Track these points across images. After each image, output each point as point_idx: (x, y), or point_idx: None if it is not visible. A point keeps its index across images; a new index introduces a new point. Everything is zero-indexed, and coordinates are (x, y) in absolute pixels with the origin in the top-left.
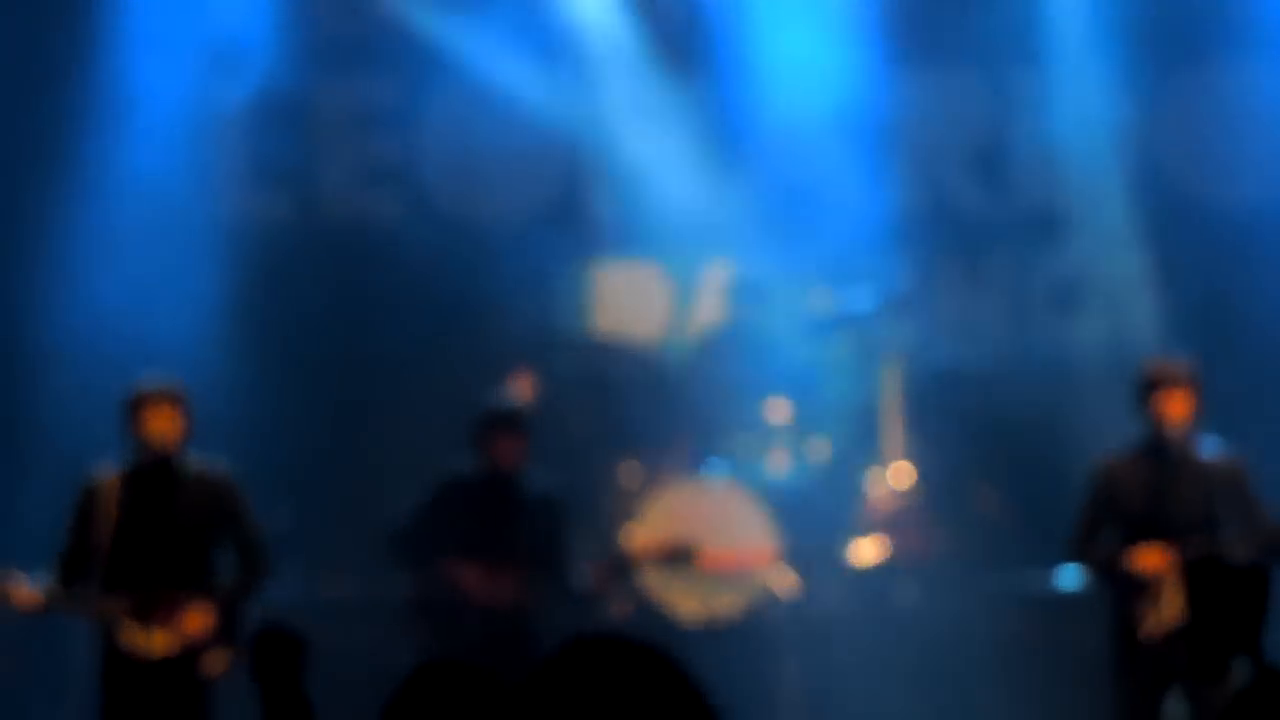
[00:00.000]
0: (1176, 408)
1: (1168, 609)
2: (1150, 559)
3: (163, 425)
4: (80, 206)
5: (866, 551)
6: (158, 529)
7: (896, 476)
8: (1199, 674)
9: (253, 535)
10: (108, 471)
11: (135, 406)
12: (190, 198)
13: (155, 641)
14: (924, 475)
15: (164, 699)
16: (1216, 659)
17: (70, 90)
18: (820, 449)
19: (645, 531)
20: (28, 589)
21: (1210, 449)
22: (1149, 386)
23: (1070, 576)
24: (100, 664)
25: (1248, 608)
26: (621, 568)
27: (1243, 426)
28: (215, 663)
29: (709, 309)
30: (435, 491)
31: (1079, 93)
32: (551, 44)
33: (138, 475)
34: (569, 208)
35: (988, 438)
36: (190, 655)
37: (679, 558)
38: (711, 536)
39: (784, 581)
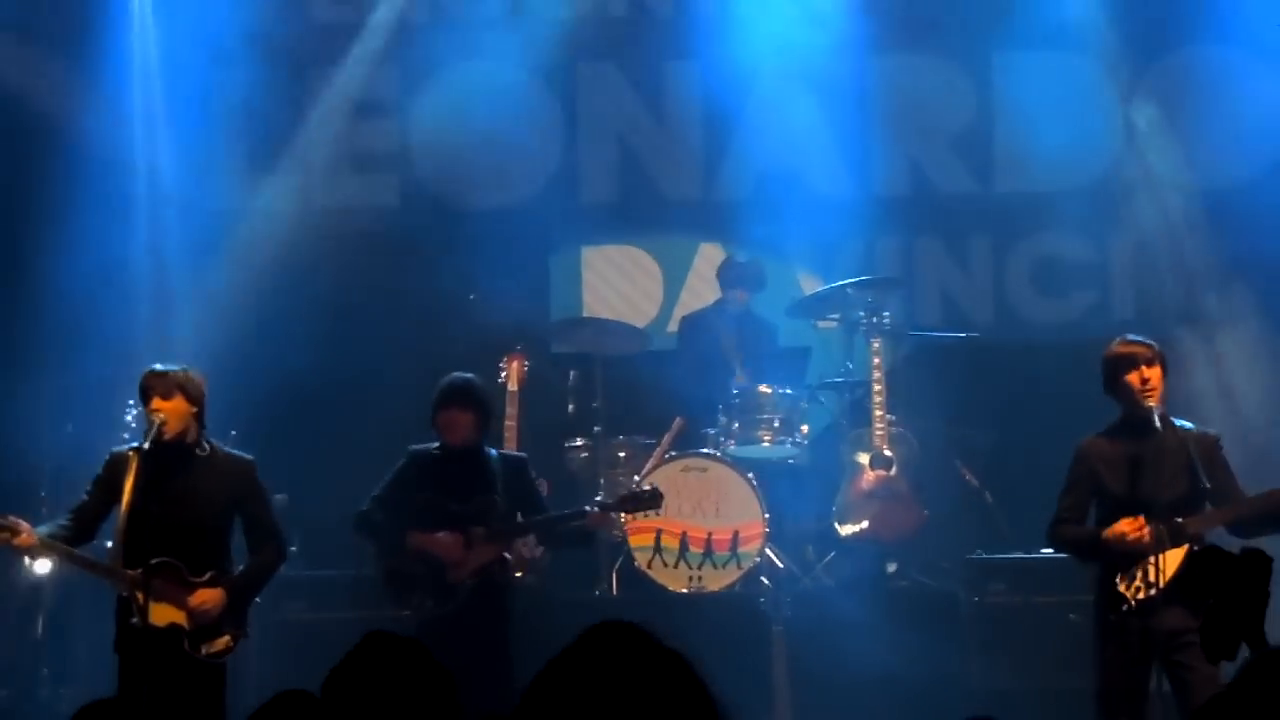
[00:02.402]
0: (1151, 381)
1: (1149, 580)
2: (1128, 528)
3: (159, 414)
4: (80, 192)
5: (854, 526)
6: (167, 509)
7: (883, 453)
8: (1211, 656)
9: (268, 526)
10: (134, 446)
11: (141, 390)
12: (188, 185)
13: (160, 615)
14: (910, 451)
15: (173, 674)
16: (1226, 642)
17: (72, 82)
18: (807, 426)
19: None
20: (28, 531)
21: (1186, 425)
22: (1119, 365)
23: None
24: (117, 634)
25: (1251, 593)
26: (619, 506)
27: (1219, 400)
28: (218, 646)
29: (699, 290)
30: (400, 469)
31: (1061, 76)
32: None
33: (153, 456)
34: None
35: (973, 414)
36: (195, 634)
37: (646, 503)
38: (702, 513)
39: (773, 557)
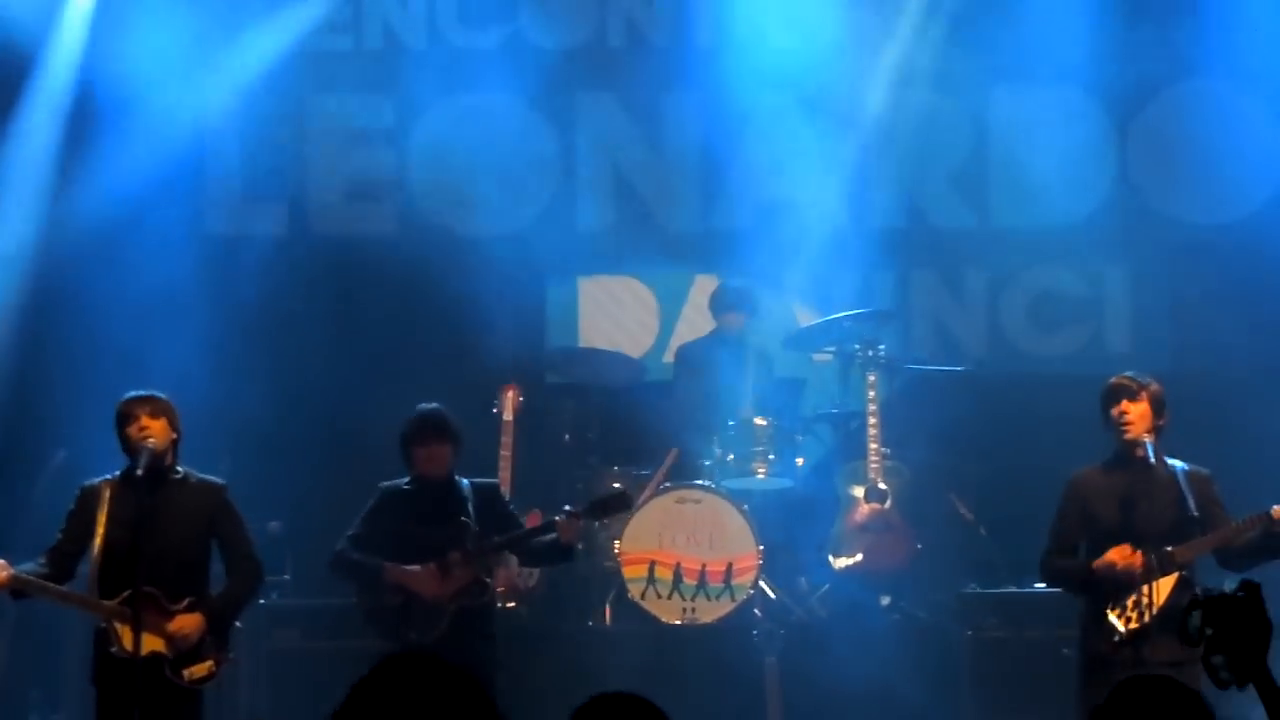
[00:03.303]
0: (1129, 415)
1: (1140, 609)
2: (1117, 557)
3: (147, 434)
4: (75, 220)
5: (848, 559)
6: (145, 535)
7: (877, 485)
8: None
9: (244, 548)
10: (105, 479)
11: (123, 417)
12: (184, 212)
13: (141, 644)
14: (904, 484)
15: (156, 701)
16: (1228, 677)
17: (64, 106)
18: (802, 459)
19: (632, 540)
20: (3, 567)
21: (1177, 460)
22: (1106, 398)
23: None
24: (94, 665)
25: (1251, 628)
26: (587, 513)
27: (1214, 435)
28: (199, 671)
29: (695, 322)
30: (373, 507)
31: (1057, 111)
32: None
33: (129, 483)
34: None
35: (967, 448)
36: (176, 661)
37: (614, 507)
38: (696, 545)
39: (767, 589)
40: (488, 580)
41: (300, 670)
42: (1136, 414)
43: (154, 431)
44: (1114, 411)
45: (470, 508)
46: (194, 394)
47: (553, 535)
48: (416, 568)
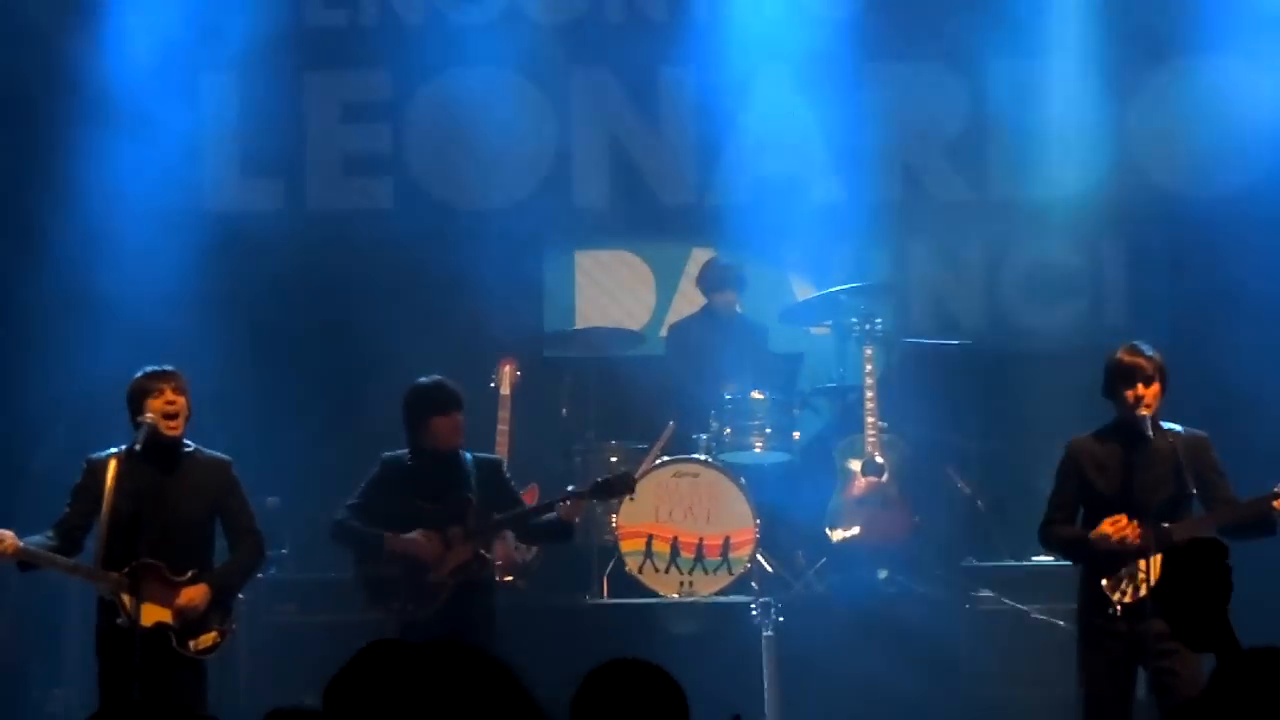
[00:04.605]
0: (1146, 398)
1: (1135, 584)
2: (1110, 529)
3: (175, 407)
4: (73, 199)
5: (845, 532)
6: (153, 509)
7: (875, 459)
8: (1191, 647)
9: (247, 523)
10: (112, 452)
11: (143, 390)
12: (180, 188)
13: (146, 615)
14: (902, 458)
15: (159, 672)
16: (1196, 633)
17: (61, 84)
18: (799, 432)
19: (630, 514)
20: (11, 539)
21: (1175, 428)
22: (1119, 377)
23: (1042, 555)
24: (98, 636)
25: (1209, 581)
26: (590, 494)
27: (1211, 409)
28: (205, 642)
29: (691, 295)
30: (375, 477)
31: (1055, 84)
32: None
33: (138, 456)
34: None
35: (964, 421)
36: (182, 632)
37: (618, 489)
38: (694, 519)
39: (765, 563)
40: (488, 556)
41: (298, 644)
42: (1152, 395)
43: (180, 407)
44: (1129, 394)
45: (473, 482)
46: (191, 369)
47: (553, 514)
48: (417, 536)
